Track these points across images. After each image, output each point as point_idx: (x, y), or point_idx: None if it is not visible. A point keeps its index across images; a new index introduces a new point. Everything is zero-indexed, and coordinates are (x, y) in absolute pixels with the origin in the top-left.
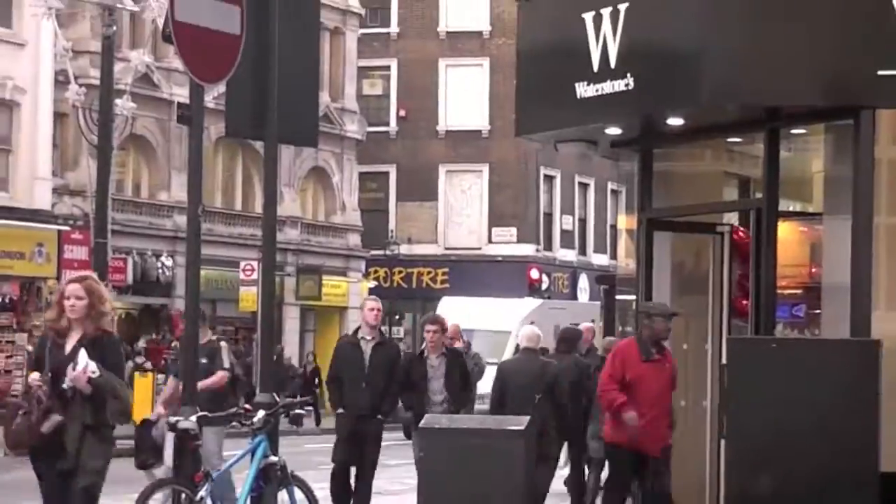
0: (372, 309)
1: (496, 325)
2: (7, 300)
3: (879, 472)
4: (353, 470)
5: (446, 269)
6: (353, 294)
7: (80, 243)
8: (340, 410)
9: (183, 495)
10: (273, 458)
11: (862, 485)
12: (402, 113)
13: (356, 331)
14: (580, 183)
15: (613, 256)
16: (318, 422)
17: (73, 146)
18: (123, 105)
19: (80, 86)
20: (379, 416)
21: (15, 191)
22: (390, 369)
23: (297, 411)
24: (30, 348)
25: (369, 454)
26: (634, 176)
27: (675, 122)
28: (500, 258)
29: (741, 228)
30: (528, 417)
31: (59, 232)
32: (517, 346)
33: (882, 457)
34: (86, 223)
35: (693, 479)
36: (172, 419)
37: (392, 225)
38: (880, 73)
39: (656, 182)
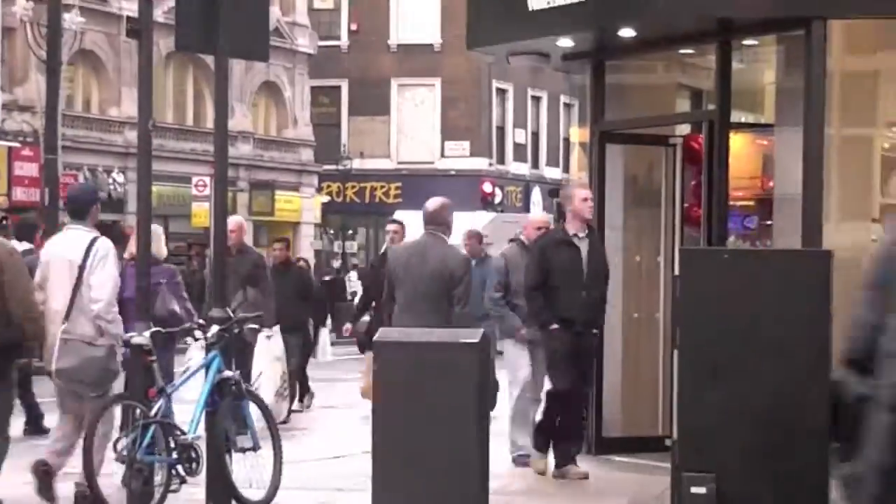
0: (586, 199)
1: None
2: None
3: (831, 382)
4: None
5: (399, 184)
6: (307, 209)
7: (30, 160)
8: (555, 326)
9: (137, 411)
10: (227, 373)
11: (814, 395)
12: (354, 27)
13: (560, 228)
14: (533, 96)
15: (566, 170)
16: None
17: (22, 61)
18: (72, 19)
19: (28, 0)
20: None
21: None
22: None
23: (251, 325)
24: None
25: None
26: (587, 89)
27: (627, 33)
28: (453, 172)
29: (696, 136)
30: (481, 330)
31: (9, 149)
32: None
33: (833, 367)
34: (35, 139)
35: (646, 390)
36: (126, 335)
37: (344, 139)
38: None
39: (609, 95)
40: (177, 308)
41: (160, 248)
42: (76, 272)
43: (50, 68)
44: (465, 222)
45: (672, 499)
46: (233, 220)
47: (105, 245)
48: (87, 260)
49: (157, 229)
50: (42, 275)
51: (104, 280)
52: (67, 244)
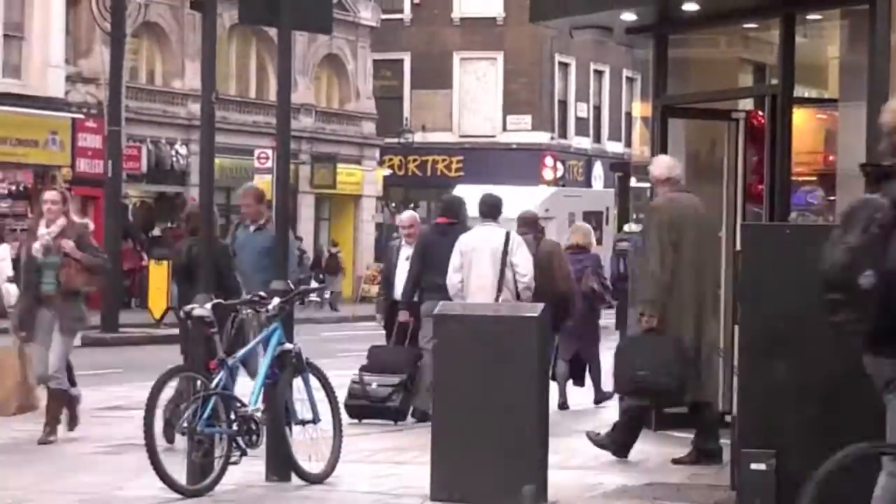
0: None
1: (511, 212)
2: (22, 188)
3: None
4: None
5: (461, 157)
6: (368, 182)
7: (93, 131)
8: None
9: (199, 382)
10: (288, 346)
11: None
12: (417, 0)
13: None
14: (595, 70)
15: (628, 144)
16: (333, 308)
17: (87, 33)
18: None
19: None
20: None
21: (28, 78)
22: None
23: (313, 298)
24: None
25: None
26: (649, 63)
27: (690, 7)
28: (514, 146)
29: (759, 112)
30: (542, 305)
31: (73, 120)
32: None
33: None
34: (99, 111)
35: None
36: (187, 307)
37: (406, 113)
38: None
39: (671, 69)
40: (595, 286)
41: (591, 240)
42: (499, 256)
43: (114, 40)
44: (526, 196)
45: (732, 475)
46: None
47: (517, 237)
48: (507, 246)
49: (584, 226)
50: (465, 260)
51: (524, 260)
52: (487, 236)
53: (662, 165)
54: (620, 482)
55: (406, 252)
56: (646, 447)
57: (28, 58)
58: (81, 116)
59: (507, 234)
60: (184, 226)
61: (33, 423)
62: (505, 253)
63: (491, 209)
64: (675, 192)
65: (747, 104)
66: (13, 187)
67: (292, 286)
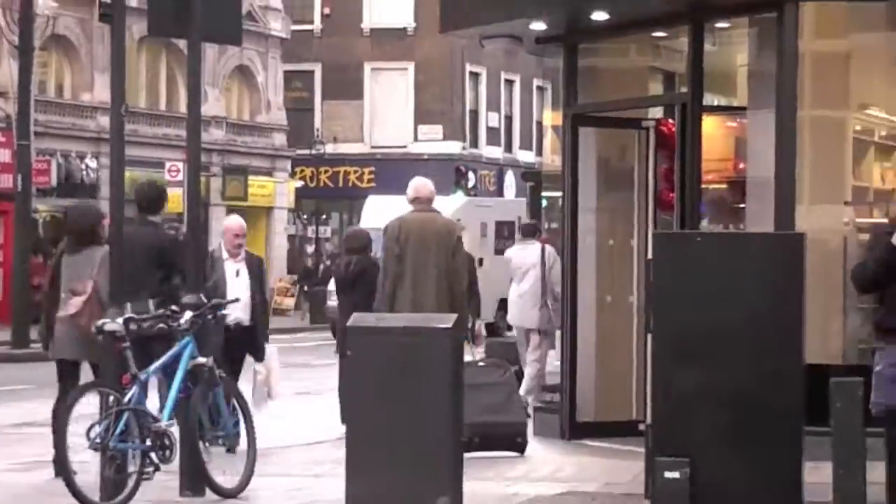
0: None
1: None
2: None
3: (804, 365)
4: None
5: (373, 168)
6: (280, 194)
7: (3, 146)
8: None
9: (111, 398)
10: (201, 360)
11: (787, 378)
12: (327, 11)
13: None
14: (506, 80)
15: (539, 153)
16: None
17: None
18: (45, 4)
19: None
20: None
21: None
22: None
23: (223, 312)
24: None
25: None
26: (559, 72)
27: (599, 16)
28: (426, 156)
29: (668, 120)
30: (455, 315)
31: None
32: None
33: (806, 350)
34: (8, 125)
35: (620, 374)
36: (99, 322)
37: (318, 124)
38: None
39: (581, 78)
40: None
41: None
42: (540, 271)
43: (22, 53)
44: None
45: (646, 483)
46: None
47: (553, 251)
48: (543, 260)
49: None
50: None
51: (559, 275)
52: (527, 252)
53: (411, 187)
54: (535, 492)
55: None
56: (559, 457)
57: None
58: None
59: (543, 250)
60: (343, 245)
61: None
62: (544, 266)
63: (529, 228)
64: (418, 212)
65: (657, 112)
66: None
67: (204, 300)
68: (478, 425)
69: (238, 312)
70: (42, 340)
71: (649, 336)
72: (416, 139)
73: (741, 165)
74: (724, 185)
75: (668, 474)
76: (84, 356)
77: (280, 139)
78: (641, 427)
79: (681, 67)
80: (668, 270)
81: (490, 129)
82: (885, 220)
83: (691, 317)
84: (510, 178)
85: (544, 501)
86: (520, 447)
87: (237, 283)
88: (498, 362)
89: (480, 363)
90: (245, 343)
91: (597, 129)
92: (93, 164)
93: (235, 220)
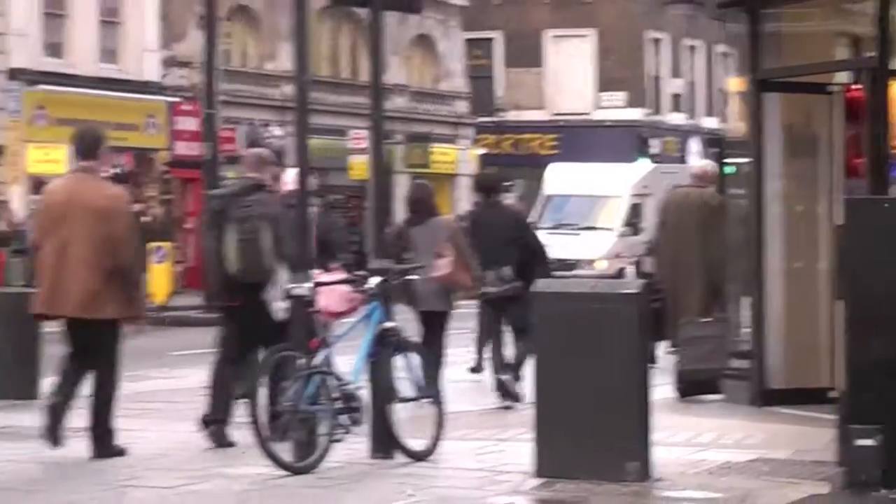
0: None
1: (606, 190)
2: (123, 171)
3: None
4: None
5: (555, 135)
6: (463, 161)
7: (190, 114)
8: None
9: (300, 361)
10: (388, 324)
11: None
12: None
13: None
14: (688, 46)
15: (723, 120)
16: None
17: (181, 18)
18: None
19: None
20: None
21: (125, 62)
22: None
23: (411, 277)
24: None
25: None
26: (742, 37)
27: None
28: (608, 123)
29: (856, 86)
30: (641, 281)
31: (169, 103)
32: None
33: None
34: (195, 94)
35: (809, 341)
36: (288, 286)
37: (499, 92)
38: None
39: (765, 43)
40: None
41: None
42: None
43: (208, 24)
44: (621, 173)
45: (838, 451)
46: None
47: None
48: None
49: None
50: None
51: None
52: None
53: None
54: (724, 458)
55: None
56: (749, 424)
57: (124, 42)
58: (177, 100)
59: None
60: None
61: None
62: None
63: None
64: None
65: (844, 77)
66: (115, 170)
67: (390, 265)
68: (687, 372)
69: None
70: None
71: (839, 302)
72: (598, 106)
73: None
74: None
75: (860, 442)
76: (440, 307)
77: (462, 107)
78: (833, 394)
79: (868, 31)
80: (858, 236)
81: (674, 96)
82: None
83: (883, 283)
84: (694, 145)
85: (734, 468)
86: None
87: None
88: (715, 318)
89: (702, 320)
90: None
91: (781, 94)
92: (278, 132)
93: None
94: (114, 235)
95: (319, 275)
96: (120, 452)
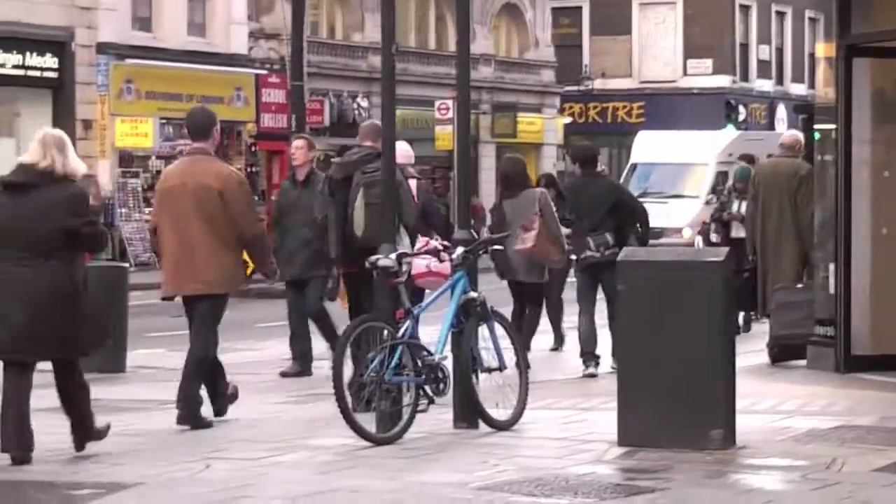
0: None
1: (693, 157)
2: None
3: None
4: None
5: (642, 103)
6: (549, 131)
7: (277, 87)
8: None
9: (385, 332)
10: (472, 294)
11: None
12: None
13: None
14: (777, 11)
15: (812, 86)
16: None
17: None
18: None
19: None
20: None
21: (212, 36)
22: None
23: (496, 247)
24: None
25: None
26: (832, 2)
27: None
28: (695, 90)
29: None
30: (726, 249)
31: (257, 76)
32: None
33: None
34: (282, 66)
35: (894, 307)
36: (372, 258)
37: (586, 60)
38: None
39: (855, 8)
40: None
41: None
42: None
43: None
44: (708, 141)
45: None
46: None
47: None
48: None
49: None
50: None
51: None
52: None
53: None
54: (809, 426)
55: None
56: (834, 390)
57: (211, 15)
58: (265, 72)
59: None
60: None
61: None
62: None
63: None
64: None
65: None
66: None
67: (475, 236)
68: (779, 338)
69: None
70: (500, 269)
71: None
72: (685, 73)
73: None
74: None
75: None
76: (532, 278)
77: (548, 76)
78: None
79: None
80: None
81: (761, 62)
82: None
83: None
84: (782, 112)
85: (819, 435)
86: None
87: None
88: (807, 285)
89: (795, 286)
90: None
91: (871, 59)
92: (364, 103)
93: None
94: (232, 213)
95: (425, 244)
96: (209, 425)
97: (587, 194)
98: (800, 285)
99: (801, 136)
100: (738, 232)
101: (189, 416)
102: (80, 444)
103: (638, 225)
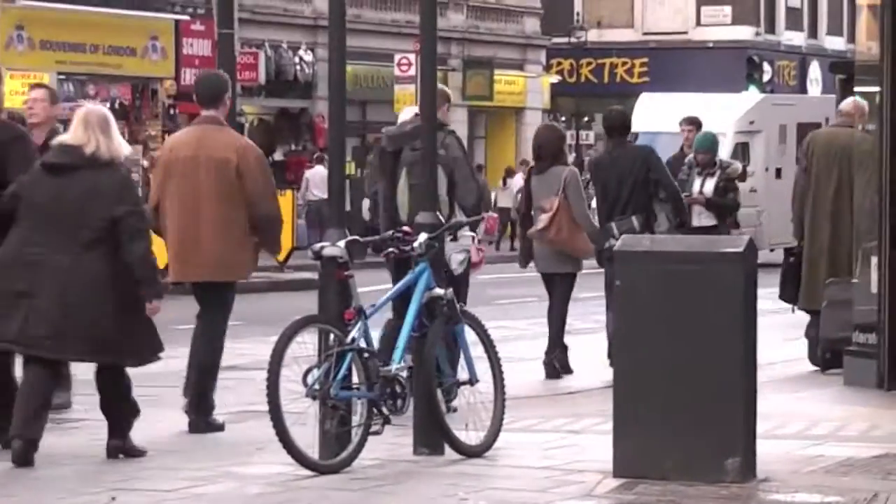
0: None
1: (708, 125)
2: (117, 105)
3: None
4: None
5: (645, 60)
6: (532, 92)
7: (201, 36)
8: None
9: (331, 336)
10: (438, 291)
11: None
12: None
13: None
14: None
15: (851, 39)
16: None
17: None
18: None
19: None
20: None
21: None
22: None
23: (466, 232)
24: (145, 163)
25: None
26: None
27: None
28: (711, 44)
29: None
30: (747, 237)
31: (177, 22)
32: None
33: None
34: (208, 11)
35: None
36: (317, 246)
37: (578, 7)
38: None
39: None
40: None
41: None
42: None
43: None
44: (726, 105)
45: None
46: None
47: None
48: None
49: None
50: None
51: None
52: None
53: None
54: (845, 454)
55: None
56: (876, 411)
57: None
58: (187, 18)
59: None
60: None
61: None
62: None
63: None
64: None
65: None
66: (107, 104)
67: (442, 219)
68: (831, 341)
69: None
70: (521, 256)
71: None
72: (698, 23)
73: None
74: None
75: None
76: (559, 268)
77: (532, 25)
78: None
79: None
80: None
81: (790, 10)
82: None
83: None
84: (815, 70)
85: (857, 465)
86: None
87: None
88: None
89: (852, 280)
90: None
91: None
92: (307, 56)
93: None
94: (248, 191)
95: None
96: (220, 427)
97: (613, 169)
98: (856, 279)
99: (864, 102)
100: (701, 219)
101: (200, 423)
102: (110, 451)
103: (670, 207)
